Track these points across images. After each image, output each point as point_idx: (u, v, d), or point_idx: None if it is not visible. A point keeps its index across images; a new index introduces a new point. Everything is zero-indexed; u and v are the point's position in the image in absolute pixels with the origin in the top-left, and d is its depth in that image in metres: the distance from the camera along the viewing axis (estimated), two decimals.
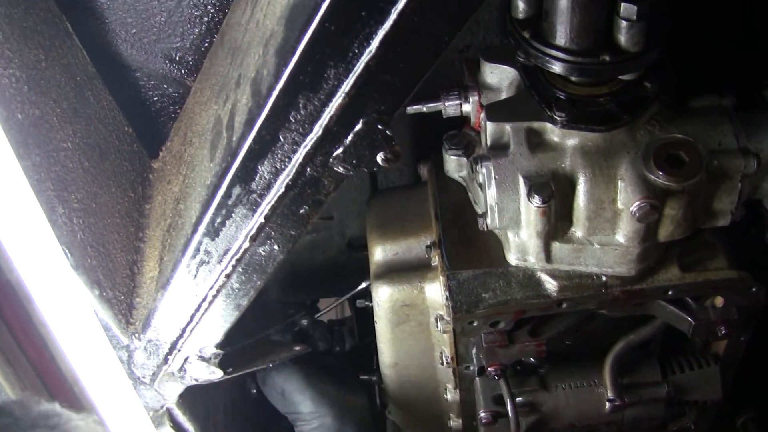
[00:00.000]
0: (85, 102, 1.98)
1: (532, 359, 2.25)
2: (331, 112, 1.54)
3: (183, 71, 2.16)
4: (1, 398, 2.10)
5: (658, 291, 2.00)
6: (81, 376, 1.58)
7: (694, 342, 2.32)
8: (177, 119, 2.18)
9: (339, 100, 1.52)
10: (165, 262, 1.91)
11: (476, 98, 2.01)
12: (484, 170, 1.87)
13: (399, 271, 2.15)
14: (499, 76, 1.98)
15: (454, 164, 2.15)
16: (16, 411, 1.06)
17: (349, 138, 1.58)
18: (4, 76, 1.72)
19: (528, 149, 1.85)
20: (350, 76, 1.50)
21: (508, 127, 1.87)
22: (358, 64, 1.48)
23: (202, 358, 1.98)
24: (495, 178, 1.85)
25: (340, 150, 1.59)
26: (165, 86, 2.21)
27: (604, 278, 1.97)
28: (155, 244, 2.00)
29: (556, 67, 1.74)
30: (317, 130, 1.57)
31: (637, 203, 1.79)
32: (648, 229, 1.85)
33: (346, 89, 1.51)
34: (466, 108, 2.03)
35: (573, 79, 1.83)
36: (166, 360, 1.99)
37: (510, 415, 2.15)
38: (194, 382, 2.05)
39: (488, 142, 1.91)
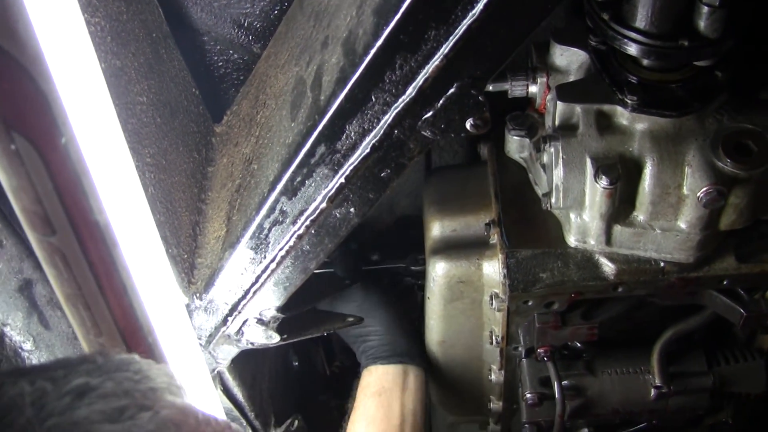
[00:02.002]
0: (160, 59, 1.98)
1: (578, 344, 2.26)
2: (427, 74, 1.55)
3: (250, 37, 2.17)
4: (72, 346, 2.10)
5: (713, 280, 2.01)
6: (156, 328, 1.57)
7: (736, 336, 2.34)
8: (245, 83, 2.19)
9: (437, 62, 1.53)
10: (234, 221, 1.91)
11: (544, 80, 2.02)
12: (552, 149, 1.88)
13: (456, 248, 2.15)
14: (569, 59, 1.99)
15: (515, 145, 2.16)
16: (98, 359, 1.06)
17: (441, 102, 1.59)
18: (90, 24, 1.72)
19: (597, 131, 1.86)
20: (450, 38, 1.50)
21: (578, 108, 1.88)
22: (459, 27, 1.49)
23: (261, 322, 1.98)
24: (562, 158, 1.86)
25: (431, 113, 1.60)
26: (231, 52, 2.21)
27: (662, 264, 1.98)
28: (220, 205, 2.00)
29: (633, 50, 1.74)
30: (411, 91, 1.57)
31: (704, 189, 1.80)
32: (711, 217, 1.86)
33: (445, 51, 1.52)
34: (533, 89, 2.04)
35: (645, 64, 1.84)
36: (225, 322, 1.99)
37: (557, 396, 2.16)
38: (250, 346, 2.05)
39: (557, 123, 1.91)
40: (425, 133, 1.63)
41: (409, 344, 2.41)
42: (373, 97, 1.60)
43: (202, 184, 2.05)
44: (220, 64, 2.24)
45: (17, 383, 0.96)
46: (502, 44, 1.53)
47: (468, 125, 1.62)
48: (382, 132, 1.63)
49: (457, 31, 1.49)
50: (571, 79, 1.99)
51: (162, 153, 1.91)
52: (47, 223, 1.40)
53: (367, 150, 1.65)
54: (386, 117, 1.61)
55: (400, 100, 1.59)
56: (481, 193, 2.19)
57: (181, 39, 2.15)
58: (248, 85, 2.16)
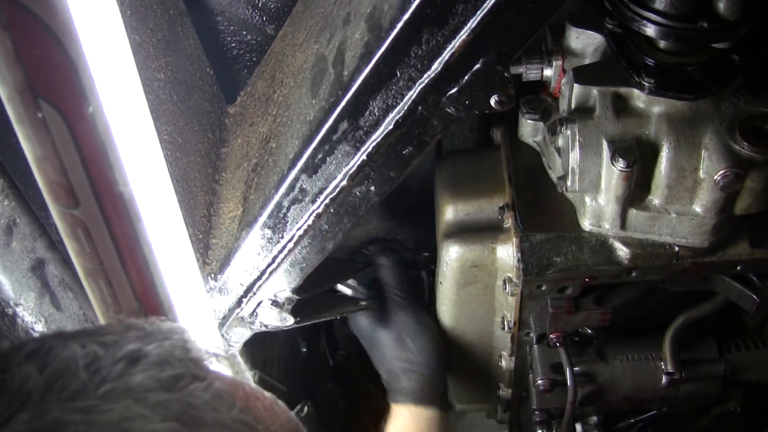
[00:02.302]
0: (176, 37, 1.97)
1: (589, 331, 2.25)
2: (453, 49, 1.54)
3: (264, 18, 2.16)
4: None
5: (727, 265, 2.01)
6: (175, 305, 1.55)
7: (745, 324, 2.34)
8: (260, 63, 2.17)
9: (463, 37, 1.52)
10: (251, 201, 1.90)
11: (559, 63, 2.01)
12: (568, 132, 1.87)
13: (470, 231, 2.14)
14: (584, 42, 1.98)
15: (529, 129, 2.15)
16: (147, 326, 1.05)
17: (466, 77, 1.58)
18: None
19: (613, 114, 1.86)
20: (478, 12, 1.49)
21: (595, 90, 1.88)
22: (488, 0, 1.48)
23: (275, 303, 1.97)
24: (579, 141, 1.86)
25: (455, 90, 1.59)
26: (244, 33, 2.20)
27: (676, 248, 1.97)
28: (236, 185, 1.99)
29: (652, 31, 1.74)
30: (436, 66, 1.57)
31: (722, 172, 1.80)
32: (726, 201, 1.86)
33: (473, 26, 1.51)
34: (548, 73, 2.02)
35: (662, 46, 1.84)
36: (239, 303, 1.97)
37: (569, 383, 2.15)
38: (263, 329, 2.03)
39: (573, 105, 1.91)
40: (449, 110, 1.62)
41: (444, 386, 2.36)
42: (398, 73, 1.59)
43: (216, 165, 2.04)
44: (233, 45, 2.23)
45: (68, 346, 0.94)
46: (530, 19, 1.52)
47: (492, 102, 1.61)
48: (406, 108, 1.62)
49: (485, 4, 1.48)
50: (587, 62, 1.99)
51: (178, 131, 1.90)
52: (71, 194, 1.38)
53: (390, 126, 1.64)
54: (411, 93, 1.60)
55: (425, 75, 1.58)
56: (495, 177, 2.18)
57: (195, 19, 2.14)
58: (263, 65, 2.15)
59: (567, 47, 2.01)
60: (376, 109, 1.63)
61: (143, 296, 1.54)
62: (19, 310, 1.92)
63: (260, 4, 2.14)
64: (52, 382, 0.88)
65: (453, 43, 1.53)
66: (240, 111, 2.14)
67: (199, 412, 0.92)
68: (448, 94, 1.60)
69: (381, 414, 2.33)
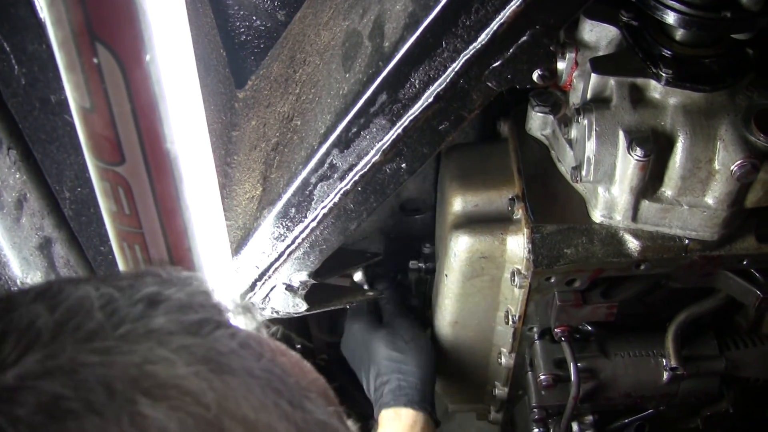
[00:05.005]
0: (197, 12, 1.92)
1: (589, 327, 2.25)
2: (503, 20, 1.53)
3: (276, 3, 2.13)
4: None
5: (733, 259, 2.03)
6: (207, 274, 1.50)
7: (739, 323, 2.36)
8: (275, 46, 2.13)
9: (514, 7, 1.51)
10: (272, 179, 1.85)
11: (573, 55, 2.02)
12: (585, 121, 1.88)
13: (479, 222, 2.12)
14: (598, 35, 1.99)
15: (538, 122, 2.16)
16: (162, 273, 1.00)
17: (512, 50, 1.57)
18: None
19: (630, 104, 1.87)
20: None
21: (612, 81, 1.89)
22: None
23: (289, 288, 1.92)
24: (596, 130, 1.86)
25: (499, 62, 1.58)
26: (254, 18, 2.16)
27: (686, 241, 1.98)
28: (252, 166, 1.94)
29: (675, 20, 1.76)
30: (483, 38, 1.55)
31: (739, 162, 1.82)
32: (738, 193, 1.88)
33: None
34: (560, 65, 2.03)
35: (679, 38, 1.86)
36: (252, 287, 1.92)
37: (572, 377, 2.14)
38: (274, 315, 1.98)
39: (589, 95, 1.92)
40: (490, 84, 1.61)
41: (432, 397, 2.33)
42: (443, 43, 1.57)
43: (227, 148, 1.99)
44: (242, 30, 2.19)
45: (80, 287, 0.88)
46: None
47: (535, 76, 1.60)
48: (448, 81, 1.60)
49: None
50: (600, 54, 2.00)
51: None
52: (117, 149, 1.33)
53: (430, 99, 1.62)
54: (454, 65, 1.58)
55: (471, 46, 1.56)
56: (503, 169, 2.17)
57: None
58: (279, 48, 2.11)
59: (580, 40, 2.01)
60: (417, 81, 1.61)
61: (179, 263, 1.48)
62: None
63: None
64: (65, 322, 0.82)
65: (503, 14, 1.52)
66: (252, 95, 2.09)
67: (226, 359, 0.86)
68: (491, 67, 1.58)
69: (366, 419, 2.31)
